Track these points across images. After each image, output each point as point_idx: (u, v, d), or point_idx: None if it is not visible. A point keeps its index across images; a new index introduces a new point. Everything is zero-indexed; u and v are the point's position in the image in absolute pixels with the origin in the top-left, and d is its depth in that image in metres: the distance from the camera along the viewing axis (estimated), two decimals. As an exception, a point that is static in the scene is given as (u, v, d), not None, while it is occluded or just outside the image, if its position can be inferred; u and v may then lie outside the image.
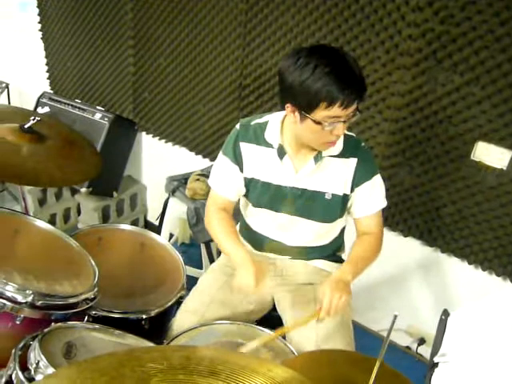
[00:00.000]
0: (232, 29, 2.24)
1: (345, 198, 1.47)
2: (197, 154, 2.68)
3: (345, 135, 1.43)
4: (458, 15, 1.68)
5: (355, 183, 1.46)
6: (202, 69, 2.43)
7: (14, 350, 1.16)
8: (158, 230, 2.58)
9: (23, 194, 2.17)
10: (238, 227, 1.69)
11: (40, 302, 1.29)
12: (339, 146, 1.43)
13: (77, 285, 1.43)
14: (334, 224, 1.54)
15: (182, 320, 1.52)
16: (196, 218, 2.31)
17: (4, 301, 1.26)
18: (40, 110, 2.98)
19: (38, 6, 3.02)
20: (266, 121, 1.47)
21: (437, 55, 1.76)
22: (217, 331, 1.45)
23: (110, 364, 0.80)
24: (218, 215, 1.54)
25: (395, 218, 2.11)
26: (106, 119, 2.80)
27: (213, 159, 2.56)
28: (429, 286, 2.22)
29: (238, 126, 1.50)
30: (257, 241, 1.62)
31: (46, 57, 3.15)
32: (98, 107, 2.89)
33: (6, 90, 3.18)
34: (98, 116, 2.83)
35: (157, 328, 1.55)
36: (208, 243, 2.44)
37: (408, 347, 2.35)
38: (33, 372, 1.09)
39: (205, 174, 2.35)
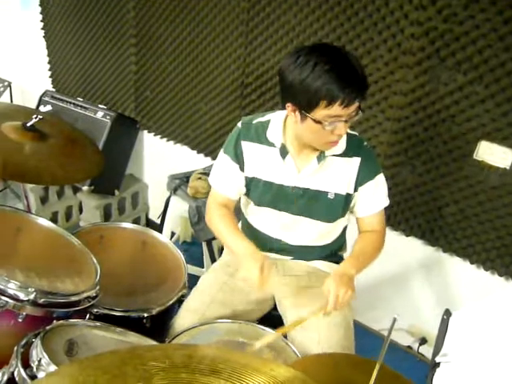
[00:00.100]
0: (234, 27, 2.24)
1: (348, 198, 1.47)
2: (198, 152, 2.68)
3: (348, 134, 1.43)
4: (461, 14, 1.67)
5: (359, 182, 1.45)
6: (204, 67, 2.43)
7: (16, 348, 1.16)
8: (159, 228, 2.58)
9: (25, 192, 2.18)
10: (239, 226, 1.68)
11: (42, 300, 1.29)
12: (342, 145, 1.42)
13: (79, 283, 1.43)
14: (336, 223, 1.54)
15: (183, 319, 1.52)
16: (198, 217, 2.31)
17: (6, 298, 1.26)
18: (42, 109, 2.98)
19: (40, 5, 3.02)
20: (268, 119, 1.47)
21: (440, 54, 1.76)
22: (218, 330, 1.45)
23: (112, 362, 0.80)
24: (219, 211, 1.54)
25: (397, 217, 2.11)
26: (107, 118, 2.80)
27: (214, 158, 2.56)
28: (430, 286, 2.22)
29: (239, 125, 1.50)
30: (258, 240, 1.62)
31: (49, 55, 3.15)
32: (100, 106, 2.89)
33: (9, 88, 3.18)
34: (99, 114, 2.83)
35: (158, 326, 1.55)
36: (209, 242, 2.44)
37: (409, 347, 2.34)
38: (35, 369, 1.10)
39: (206, 173, 2.35)
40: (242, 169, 1.49)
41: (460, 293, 2.11)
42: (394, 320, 0.99)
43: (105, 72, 2.89)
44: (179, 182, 2.45)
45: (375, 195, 1.49)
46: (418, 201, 2.04)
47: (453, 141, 1.86)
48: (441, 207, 1.98)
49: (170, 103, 2.66)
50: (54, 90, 3.19)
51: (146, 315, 1.52)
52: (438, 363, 1.12)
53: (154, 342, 1.36)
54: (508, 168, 1.76)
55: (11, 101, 3.22)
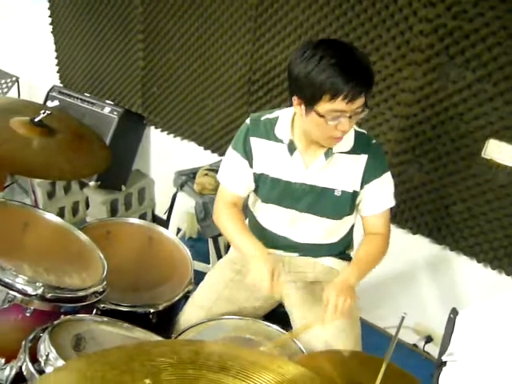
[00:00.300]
0: (242, 23, 2.23)
1: (354, 195, 1.47)
2: (205, 148, 2.67)
3: (356, 132, 1.43)
4: (470, 11, 1.66)
5: (365, 180, 1.45)
6: (212, 63, 2.43)
7: (24, 342, 1.17)
8: (165, 224, 2.58)
9: (33, 186, 2.19)
10: (246, 222, 1.68)
11: (50, 295, 1.30)
12: (350, 142, 1.42)
13: (86, 278, 1.44)
14: (343, 221, 1.54)
15: (189, 314, 1.53)
16: (204, 213, 2.31)
17: (14, 293, 1.27)
18: (50, 104, 2.99)
19: (48, 0, 3.02)
20: (276, 116, 1.47)
21: (449, 51, 1.75)
22: (225, 326, 1.45)
23: (119, 358, 0.81)
24: (228, 210, 1.54)
25: (404, 215, 2.10)
26: (115, 113, 2.80)
27: (221, 154, 2.56)
28: (437, 284, 2.21)
29: (248, 121, 1.50)
30: (265, 237, 1.62)
31: (56, 50, 3.15)
32: (107, 101, 2.90)
33: (17, 83, 3.19)
34: (107, 110, 2.83)
35: (164, 322, 1.55)
36: (216, 238, 2.44)
37: (415, 345, 2.34)
38: (43, 364, 1.11)
39: (213, 169, 2.35)
40: (251, 165, 1.49)
41: (466, 291, 2.10)
42: (403, 318, 0.99)
43: (112, 67, 2.89)
44: (186, 178, 2.45)
45: (381, 193, 1.48)
46: (425, 199, 2.03)
47: (461, 139, 1.85)
48: (448, 205, 1.98)
49: (177, 99, 2.66)
50: (61, 85, 3.19)
51: (152, 311, 1.53)
52: (445, 362, 1.12)
53: (159, 338, 1.37)
54: (516, 167, 1.75)
55: (19, 96, 3.23)
